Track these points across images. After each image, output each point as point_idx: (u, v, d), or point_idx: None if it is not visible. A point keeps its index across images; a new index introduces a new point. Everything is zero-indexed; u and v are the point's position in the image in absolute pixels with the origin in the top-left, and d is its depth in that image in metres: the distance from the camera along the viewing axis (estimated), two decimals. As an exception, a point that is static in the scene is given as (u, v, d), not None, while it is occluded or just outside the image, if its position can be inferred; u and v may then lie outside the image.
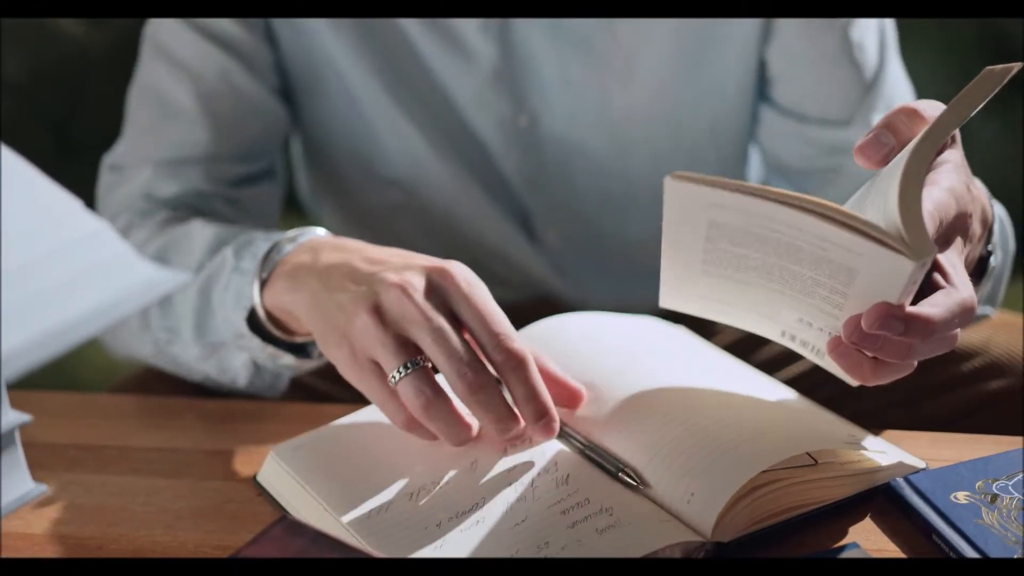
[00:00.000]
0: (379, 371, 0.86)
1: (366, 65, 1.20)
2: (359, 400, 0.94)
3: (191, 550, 0.83)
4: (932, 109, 0.83)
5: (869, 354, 0.77)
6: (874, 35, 1.20)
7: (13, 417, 0.63)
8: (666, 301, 0.88)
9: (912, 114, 0.82)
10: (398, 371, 0.84)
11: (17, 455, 0.64)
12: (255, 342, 0.98)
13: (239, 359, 1.02)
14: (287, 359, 1.00)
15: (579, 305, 1.22)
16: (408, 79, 1.21)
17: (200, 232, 1.07)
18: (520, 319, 0.95)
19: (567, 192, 1.25)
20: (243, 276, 0.98)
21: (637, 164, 1.24)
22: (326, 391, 1.21)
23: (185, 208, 1.15)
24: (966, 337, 1.10)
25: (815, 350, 0.85)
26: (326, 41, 1.19)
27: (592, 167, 1.24)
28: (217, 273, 1.01)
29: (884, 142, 0.82)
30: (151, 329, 1.06)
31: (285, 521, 0.71)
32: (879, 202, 0.78)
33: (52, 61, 1.63)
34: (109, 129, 1.69)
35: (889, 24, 1.23)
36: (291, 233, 0.99)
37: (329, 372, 1.23)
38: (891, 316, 0.74)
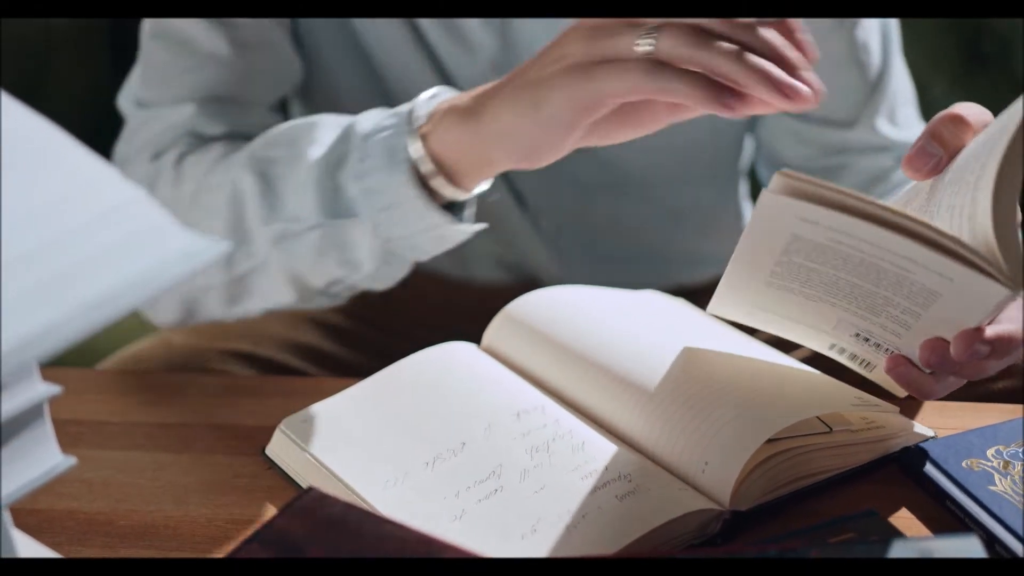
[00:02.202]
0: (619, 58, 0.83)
1: (353, 54, 1.18)
2: (361, 375, 0.93)
3: (204, 524, 0.82)
4: (977, 114, 0.80)
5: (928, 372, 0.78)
6: (877, 33, 1.19)
7: (43, 389, 0.62)
8: (715, 307, 0.87)
9: (957, 121, 0.79)
10: (642, 39, 0.82)
11: (46, 427, 0.64)
12: (415, 206, 0.92)
13: (366, 246, 0.95)
14: (444, 229, 0.94)
15: None
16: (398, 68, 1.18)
17: (332, 118, 1.00)
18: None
19: (560, 179, 1.24)
20: (396, 124, 0.92)
21: (631, 152, 1.23)
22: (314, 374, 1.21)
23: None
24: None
25: (864, 363, 0.85)
26: (311, 27, 1.17)
27: (586, 154, 1.23)
28: (347, 150, 0.95)
29: (932, 152, 0.79)
30: (249, 233, 0.99)
31: (312, 492, 0.70)
32: (949, 218, 0.76)
33: (15, 37, 1.60)
34: (75, 104, 1.67)
35: (892, 19, 1.23)
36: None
37: (315, 355, 1.22)
38: (978, 341, 0.75)
